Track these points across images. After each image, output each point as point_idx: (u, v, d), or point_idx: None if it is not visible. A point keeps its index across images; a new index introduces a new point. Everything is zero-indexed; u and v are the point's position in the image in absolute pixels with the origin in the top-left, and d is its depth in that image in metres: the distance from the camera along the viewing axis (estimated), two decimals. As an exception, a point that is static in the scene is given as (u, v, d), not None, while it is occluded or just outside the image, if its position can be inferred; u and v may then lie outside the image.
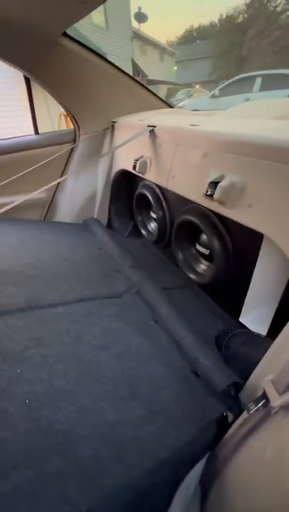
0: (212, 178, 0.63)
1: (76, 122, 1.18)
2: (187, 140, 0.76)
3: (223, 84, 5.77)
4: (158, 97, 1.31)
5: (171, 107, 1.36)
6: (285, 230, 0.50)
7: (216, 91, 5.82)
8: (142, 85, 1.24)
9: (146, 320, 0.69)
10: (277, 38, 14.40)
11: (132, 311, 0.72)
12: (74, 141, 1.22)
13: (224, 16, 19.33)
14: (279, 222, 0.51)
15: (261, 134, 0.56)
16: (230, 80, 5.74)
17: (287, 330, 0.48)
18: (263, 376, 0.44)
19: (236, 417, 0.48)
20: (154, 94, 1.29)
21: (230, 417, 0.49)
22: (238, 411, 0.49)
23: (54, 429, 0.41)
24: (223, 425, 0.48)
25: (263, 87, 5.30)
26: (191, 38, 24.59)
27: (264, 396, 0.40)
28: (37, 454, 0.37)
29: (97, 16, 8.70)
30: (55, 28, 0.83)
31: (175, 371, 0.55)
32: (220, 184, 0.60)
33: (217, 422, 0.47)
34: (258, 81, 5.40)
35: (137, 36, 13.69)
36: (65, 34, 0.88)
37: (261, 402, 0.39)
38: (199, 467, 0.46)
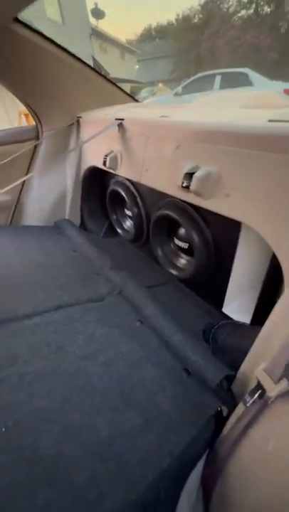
0: (187, 169, 0.62)
1: (38, 118, 1.11)
2: (158, 132, 0.74)
3: (185, 83, 5.90)
4: (124, 91, 1.27)
5: (137, 102, 1.33)
6: (263, 217, 0.50)
7: (179, 89, 5.93)
8: (107, 79, 1.19)
9: (131, 321, 0.66)
10: (232, 38, 15.07)
11: (117, 314, 0.68)
12: (37, 138, 1.14)
13: (181, 16, 19.76)
14: (257, 209, 0.51)
15: (233, 122, 0.55)
16: (192, 78, 5.88)
17: (274, 316, 0.48)
18: (255, 365, 0.43)
19: (231, 409, 0.47)
20: (120, 89, 1.25)
21: (225, 410, 0.48)
22: (233, 403, 0.48)
23: (40, 456, 0.36)
24: (219, 421, 0.47)
25: (223, 85, 5.51)
26: (150, 36, 24.75)
27: (259, 386, 0.39)
28: (22, 489, 0.33)
29: (51, 9, 8.34)
30: (4, 13, 0.75)
31: (167, 372, 0.52)
32: (195, 175, 0.59)
33: (214, 418, 0.46)
34: (218, 79, 5.60)
35: (96, 34, 13.44)
36: (17, 20, 0.81)
37: (257, 393, 0.38)
38: (199, 468, 0.45)
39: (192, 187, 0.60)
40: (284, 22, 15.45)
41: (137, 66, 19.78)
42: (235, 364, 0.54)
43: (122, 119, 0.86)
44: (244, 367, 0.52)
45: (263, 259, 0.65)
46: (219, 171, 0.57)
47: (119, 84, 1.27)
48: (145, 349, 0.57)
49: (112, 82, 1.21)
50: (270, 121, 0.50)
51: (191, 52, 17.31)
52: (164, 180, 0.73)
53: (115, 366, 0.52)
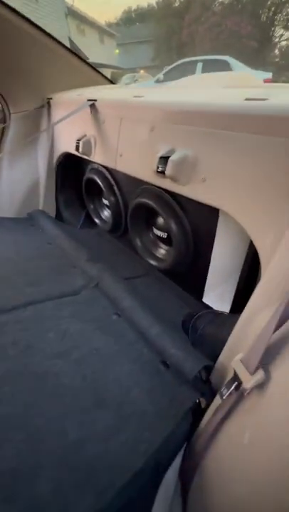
0: (162, 152, 0.58)
1: (3, 99, 1.01)
2: (132, 113, 0.69)
3: (167, 69, 5.80)
4: (100, 74, 1.19)
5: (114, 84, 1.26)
6: (240, 202, 0.48)
7: (161, 75, 5.85)
8: (82, 59, 1.11)
9: (108, 315, 0.63)
10: (213, 24, 14.79)
11: (92, 308, 0.65)
12: (4, 120, 1.05)
13: (161, -1, 19.06)
14: (234, 194, 0.49)
15: (208, 101, 0.52)
16: (173, 65, 5.81)
17: (251, 304, 0.47)
18: (233, 355, 0.42)
19: (209, 401, 0.46)
20: (96, 70, 1.17)
21: (204, 402, 0.47)
22: (211, 395, 0.47)
23: None
24: (198, 413, 0.45)
25: (204, 72, 5.45)
26: (130, 19, 23.84)
27: (235, 378, 0.37)
28: None
29: (22, -15, 7.75)
30: None
31: (144, 366, 0.50)
32: (171, 158, 0.56)
33: (192, 411, 0.44)
34: (199, 66, 5.54)
35: (73, 14, 12.69)
36: None
37: (233, 385, 0.37)
38: (177, 461, 0.43)
39: (168, 172, 0.57)
40: (264, 10, 15.39)
41: (117, 51, 19.02)
42: (214, 354, 0.52)
43: (95, 100, 0.80)
44: (222, 357, 0.51)
45: (241, 247, 0.63)
46: (195, 154, 0.54)
47: (100, 70, 1.19)
48: (121, 343, 0.55)
49: (88, 63, 1.13)
50: (246, 99, 0.47)
51: (172, 37, 16.85)
52: (140, 166, 0.69)
53: (88, 363, 0.49)
